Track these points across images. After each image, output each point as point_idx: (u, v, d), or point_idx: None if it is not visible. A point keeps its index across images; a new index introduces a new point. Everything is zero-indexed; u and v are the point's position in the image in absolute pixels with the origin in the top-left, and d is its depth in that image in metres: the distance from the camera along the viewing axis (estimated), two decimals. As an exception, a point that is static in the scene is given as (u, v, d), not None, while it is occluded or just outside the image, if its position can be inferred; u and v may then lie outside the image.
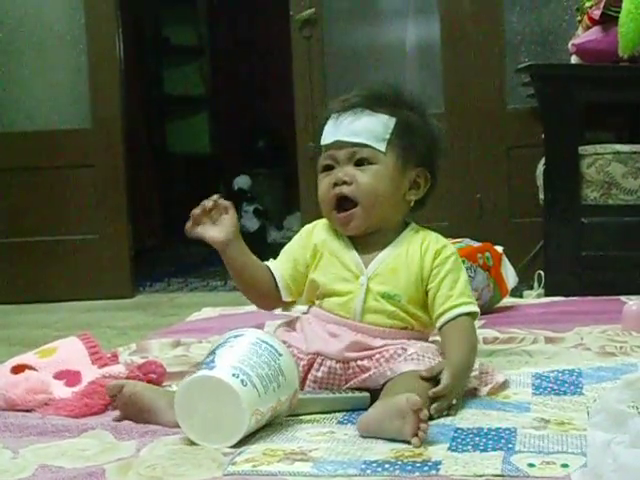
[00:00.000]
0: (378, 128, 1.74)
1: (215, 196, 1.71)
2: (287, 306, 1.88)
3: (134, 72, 5.95)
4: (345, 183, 1.73)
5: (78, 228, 4.48)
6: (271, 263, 1.82)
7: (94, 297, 4.34)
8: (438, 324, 1.74)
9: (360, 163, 1.74)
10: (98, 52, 4.48)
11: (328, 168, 1.77)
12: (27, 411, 1.73)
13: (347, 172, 1.74)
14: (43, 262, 4.47)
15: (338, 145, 1.75)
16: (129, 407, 1.61)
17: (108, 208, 4.46)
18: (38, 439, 1.53)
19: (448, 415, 1.56)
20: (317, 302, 1.79)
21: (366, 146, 1.73)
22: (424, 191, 1.81)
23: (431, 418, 1.50)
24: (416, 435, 1.39)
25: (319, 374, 1.71)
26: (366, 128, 1.74)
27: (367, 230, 1.77)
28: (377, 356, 1.69)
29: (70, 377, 1.84)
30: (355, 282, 1.75)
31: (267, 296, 1.82)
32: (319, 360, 1.72)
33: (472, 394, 1.69)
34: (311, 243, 1.81)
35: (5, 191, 4.49)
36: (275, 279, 1.79)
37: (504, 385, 1.74)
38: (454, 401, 1.59)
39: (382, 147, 1.74)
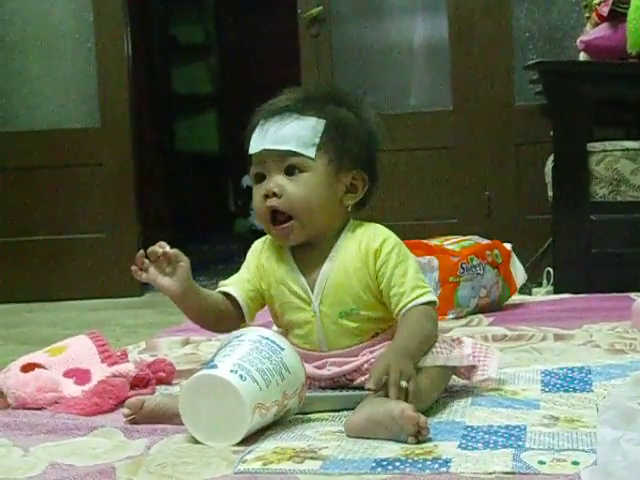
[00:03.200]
0: (306, 133, 1.64)
1: (163, 243, 1.64)
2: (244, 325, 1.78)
3: (142, 71, 5.96)
4: (275, 195, 1.65)
5: (87, 227, 4.49)
6: (230, 285, 1.75)
7: (103, 296, 4.35)
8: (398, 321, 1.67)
9: (290, 171, 1.65)
10: (106, 51, 4.49)
11: (260, 177, 1.69)
12: (37, 409, 1.73)
13: (277, 183, 1.65)
14: (52, 261, 4.47)
15: (267, 154, 1.66)
16: (154, 417, 1.59)
17: (116, 207, 4.47)
18: (48, 437, 1.54)
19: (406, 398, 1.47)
20: (285, 332, 1.74)
21: (294, 153, 1.64)
22: (362, 193, 1.71)
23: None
24: (415, 437, 1.39)
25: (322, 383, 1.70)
26: (293, 134, 1.64)
27: (307, 240, 1.69)
28: (365, 366, 1.66)
29: (80, 375, 1.85)
30: (308, 309, 1.68)
31: (226, 321, 1.74)
32: (307, 382, 1.63)
33: (464, 378, 1.70)
34: (260, 265, 1.75)
35: (14, 190, 4.50)
36: (238, 302, 1.73)
37: (495, 380, 1.73)
38: (404, 384, 1.46)
39: (311, 153, 1.64)
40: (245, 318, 1.74)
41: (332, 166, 1.66)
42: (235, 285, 1.75)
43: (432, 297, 1.67)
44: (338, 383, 1.70)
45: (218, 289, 1.76)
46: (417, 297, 1.64)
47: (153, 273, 1.64)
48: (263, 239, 1.78)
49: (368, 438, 1.43)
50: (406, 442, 1.39)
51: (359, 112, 1.73)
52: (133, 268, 1.64)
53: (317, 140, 1.65)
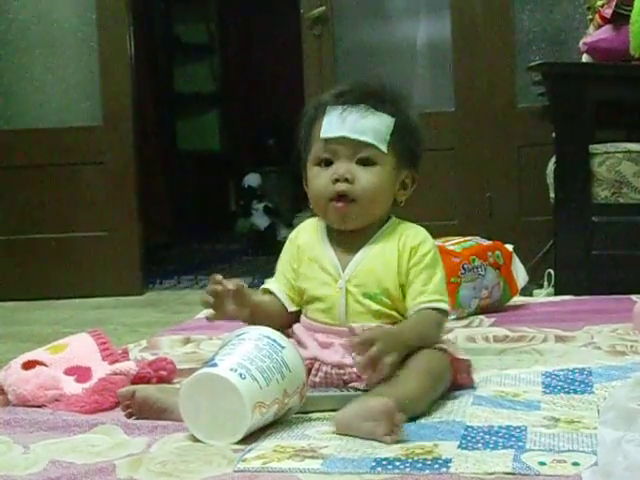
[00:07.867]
0: (382, 128, 1.73)
1: (219, 277, 1.70)
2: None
3: (145, 70, 5.96)
4: (347, 180, 1.72)
5: (88, 225, 4.49)
6: (269, 282, 1.84)
7: (104, 294, 4.35)
8: (407, 316, 1.73)
9: (363, 162, 1.73)
10: (109, 50, 4.48)
11: (327, 162, 1.76)
12: (38, 407, 1.73)
13: (349, 169, 1.73)
14: (53, 259, 4.47)
15: (342, 141, 1.73)
16: (145, 410, 1.61)
17: (118, 205, 4.46)
18: (49, 434, 1.54)
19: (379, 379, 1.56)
20: (303, 310, 1.80)
21: (370, 145, 1.72)
22: (411, 191, 1.81)
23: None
24: (389, 435, 1.40)
25: (317, 379, 1.71)
26: (372, 127, 1.72)
27: (359, 227, 1.76)
28: None
29: (80, 373, 1.85)
30: (334, 285, 1.74)
31: (279, 317, 1.79)
32: (317, 365, 1.72)
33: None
34: (295, 247, 1.82)
35: (16, 188, 4.49)
36: (277, 297, 1.80)
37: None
38: (388, 360, 1.54)
39: (384, 148, 1.73)
40: (287, 308, 1.80)
41: (397, 163, 1.76)
42: (275, 279, 1.83)
43: (446, 307, 1.74)
44: (343, 375, 1.70)
45: (261, 287, 1.85)
46: (434, 301, 1.72)
47: (222, 312, 1.70)
48: (296, 230, 1.87)
49: (357, 437, 1.44)
50: (380, 441, 1.40)
51: (414, 114, 1.81)
52: (209, 316, 1.71)
53: (389, 137, 1.73)
